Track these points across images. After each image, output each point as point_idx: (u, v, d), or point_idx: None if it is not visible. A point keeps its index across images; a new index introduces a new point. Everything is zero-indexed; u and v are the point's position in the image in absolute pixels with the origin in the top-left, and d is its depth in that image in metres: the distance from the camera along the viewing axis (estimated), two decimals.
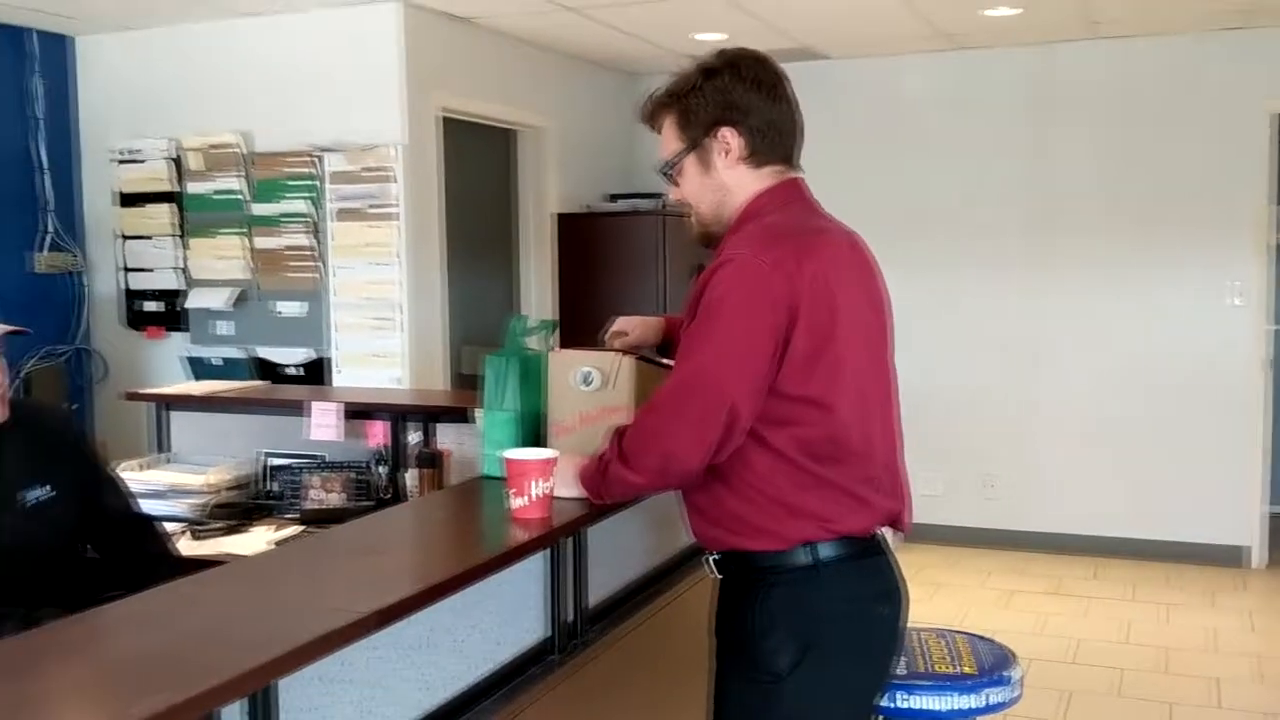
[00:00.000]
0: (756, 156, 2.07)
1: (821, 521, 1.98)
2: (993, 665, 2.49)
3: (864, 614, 2.03)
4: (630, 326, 2.50)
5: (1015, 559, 6.37)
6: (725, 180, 2.09)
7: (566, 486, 2.20)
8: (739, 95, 2.05)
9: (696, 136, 2.08)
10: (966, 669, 2.46)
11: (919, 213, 6.63)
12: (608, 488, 2.10)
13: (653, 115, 2.15)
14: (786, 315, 1.90)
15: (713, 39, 5.95)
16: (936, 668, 2.46)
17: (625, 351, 2.39)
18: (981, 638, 2.68)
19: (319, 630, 1.57)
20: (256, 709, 1.59)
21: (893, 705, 2.40)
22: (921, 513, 6.66)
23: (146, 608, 1.79)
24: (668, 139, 2.13)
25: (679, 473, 1.99)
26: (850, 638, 2.01)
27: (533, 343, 2.60)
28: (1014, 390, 6.55)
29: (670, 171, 2.15)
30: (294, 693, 1.69)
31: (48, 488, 2.45)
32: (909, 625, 2.22)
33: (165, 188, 5.59)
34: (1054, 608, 5.59)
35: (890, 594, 2.08)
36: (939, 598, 5.74)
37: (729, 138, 2.06)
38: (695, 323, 1.96)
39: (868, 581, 2.04)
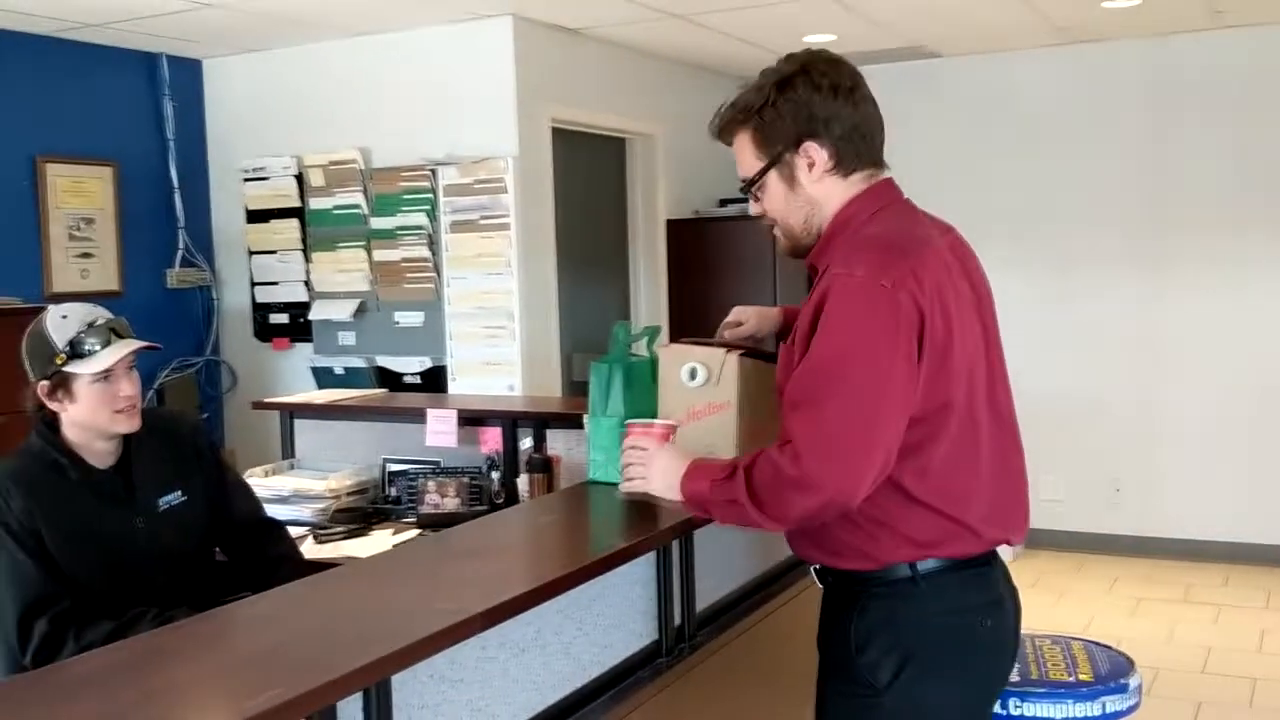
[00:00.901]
0: (843, 166, 1.96)
1: (922, 547, 1.91)
2: (1110, 672, 2.43)
3: (965, 626, 1.94)
4: (745, 316, 2.39)
5: (1142, 565, 6.17)
6: (813, 194, 1.97)
7: (667, 489, 2.01)
8: (818, 105, 1.92)
9: (778, 153, 1.96)
10: (1083, 676, 2.40)
11: (1037, 211, 6.49)
12: (728, 517, 1.95)
13: (724, 131, 2.03)
14: (916, 336, 1.80)
15: (823, 40, 5.92)
16: (1051, 675, 2.41)
17: (733, 346, 2.31)
18: (1099, 644, 2.62)
19: (428, 629, 1.62)
20: (372, 705, 1.65)
21: (1006, 713, 2.36)
22: (1044, 518, 6.51)
23: (267, 607, 1.87)
24: (745, 156, 2.02)
25: (831, 516, 1.87)
26: (951, 651, 1.93)
27: (638, 349, 2.63)
28: (1139, 391, 6.36)
29: (752, 190, 2.03)
30: (408, 690, 1.74)
31: (179, 493, 2.57)
32: (1024, 632, 2.17)
33: (290, 204, 5.79)
34: (1183, 615, 5.41)
35: (995, 605, 1.98)
36: (1062, 605, 5.60)
37: (813, 152, 1.95)
38: (820, 357, 1.82)
39: (970, 593, 1.95)
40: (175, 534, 2.54)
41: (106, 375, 2.39)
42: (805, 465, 1.78)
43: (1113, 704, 2.35)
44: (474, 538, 2.34)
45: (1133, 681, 2.42)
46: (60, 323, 2.39)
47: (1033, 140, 6.49)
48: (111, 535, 2.43)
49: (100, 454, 2.47)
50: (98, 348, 2.38)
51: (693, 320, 6.04)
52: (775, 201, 2.01)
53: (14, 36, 5.13)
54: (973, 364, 1.92)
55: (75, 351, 2.37)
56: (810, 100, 1.92)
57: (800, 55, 1.98)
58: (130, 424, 2.45)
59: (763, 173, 1.99)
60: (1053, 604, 5.60)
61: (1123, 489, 6.43)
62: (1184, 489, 6.28)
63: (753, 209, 2.09)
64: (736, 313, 2.41)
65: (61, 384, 2.38)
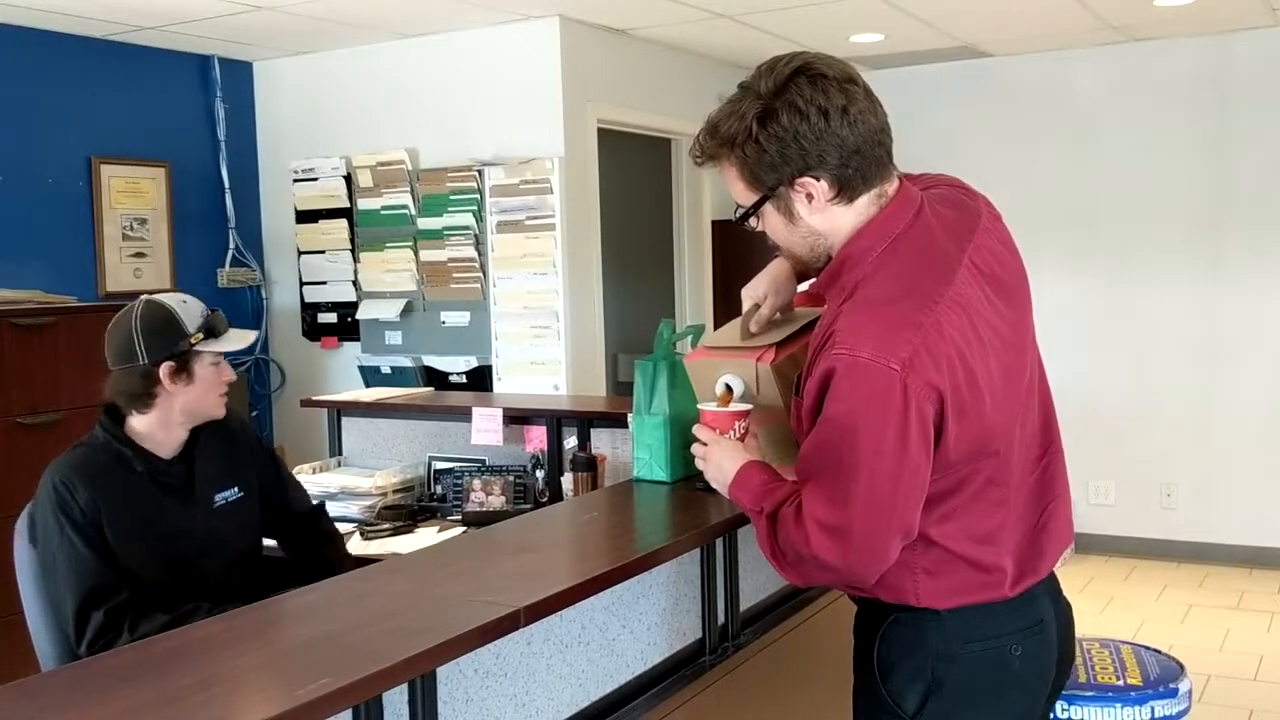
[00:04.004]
0: (847, 192, 1.77)
1: (945, 595, 1.81)
2: (1160, 677, 2.40)
3: (994, 654, 1.82)
4: (759, 295, 2.12)
5: (1194, 572, 6.08)
6: (815, 226, 1.81)
7: (721, 488, 1.99)
8: (807, 137, 1.71)
9: (770, 188, 1.79)
10: (1132, 680, 2.37)
11: (1091, 211, 6.41)
12: (755, 527, 1.90)
13: (706, 160, 1.84)
14: (933, 413, 1.68)
15: (870, 40, 5.89)
16: (1100, 678, 2.38)
17: (763, 349, 2.09)
18: (1149, 648, 2.58)
19: (473, 622, 1.63)
20: (417, 697, 1.66)
21: (1054, 716, 2.34)
22: (1093, 523, 6.41)
23: (316, 599, 1.89)
24: (735, 186, 1.84)
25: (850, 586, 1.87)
26: (979, 680, 1.82)
27: (682, 348, 2.63)
28: (1192, 393, 6.26)
29: (747, 221, 1.87)
30: (453, 684, 1.76)
31: (235, 489, 2.63)
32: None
33: (339, 204, 5.85)
34: (1235, 623, 5.32)
35: (1032, 629, 1.85)
36: (1111, 611, 5.53)
37: (810, 186, 1.76)
38: (830, 442, 1.70)
39: (1001, 619, 1.82)
40: (231, 530, 2.60)
41: (216, 360, 2.51)
42: (819, 550, 1.72)
43: (1162, 709, 2.32)
44: (518, 534, 2.35)
45: (1183, 686, 2.39)
46: (184, 307, 2.50)
47: (1086, 139, 6.41)
48: (171, 528, 2.48)
49: (170, 447, 2.52)
50: (225, 331, 2.52)
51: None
52: (776, 232, 1.86)
53: (71, 40, 5.22)
54: (1007, 404, 1.79)
55: (209, 333, 2.48)
56: (798, 132, 1.71)
57: (780, 69, 1.75)
58: (223, 409, 2.56)
59: (756, 206, 1.82)
60: (1101, 609, 5.53)
61: (1175, 494, 6.33)
62: (1238, 494, 6.18)
63: (755, 224, 1.91)
64: (749, 295, 2.15)
65: (185, 365, 2.46)
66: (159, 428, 2.49)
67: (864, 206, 1.79)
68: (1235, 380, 6.17)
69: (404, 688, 1.64)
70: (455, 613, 1.72)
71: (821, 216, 1.79)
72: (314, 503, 2.97)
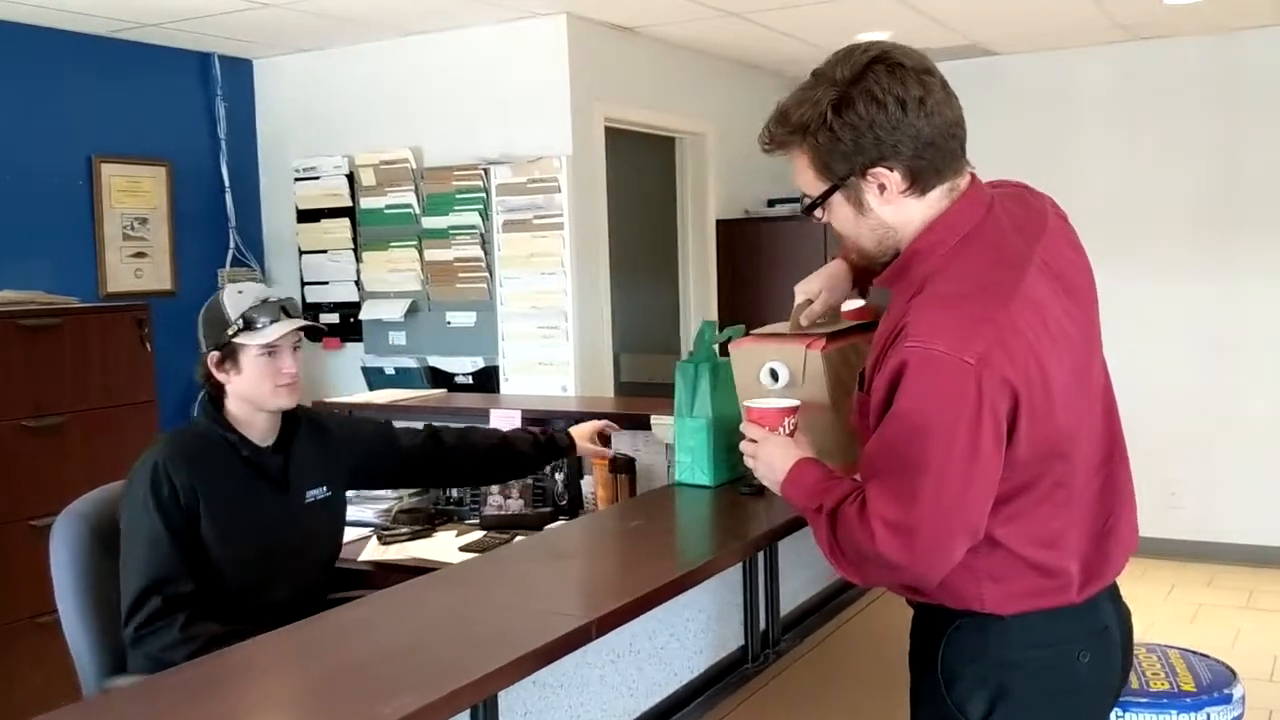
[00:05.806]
0: (920, 185, 1.73)
1: (1009, 599, 1.77)
2: (1212, 683, 2.37)
3: (1060, 661, 1.79)
4: (813, 291, 2.10)
5: (1201, 571, 6.07)
6: (885, 218, 1.76)
7: (773, 485, 1.93)
8: (883, 126, 1.68)
9: (841, 177, 1.74)
10: (1185, 686, 2.34)
11: (1097, 209, 6.36)
12: (817, 540, 1.85)
13: (775, 148, 1.80)
14: (1007, 411, 1.64)
15: (878, 38, 5.85)
16: (1153, 685, 2.35)
17: (814, 337, 2.07)
18: (1195, 653, 2.56)
19: (548, 635, 1.59)
20: (479, 710, 1.61)
21: None
22: None
23: (372, 612, 1.84)
24: (803, 176, 1.79)
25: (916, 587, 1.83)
26: (1046, 688, 1.79)
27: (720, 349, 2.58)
28: (1198, 392, 6.25)
29: (814, 211, 1.82)
30: (512, 695, 1.71)
31: (324, 488, 2.64)
32: None
33: (341, 203, 5.77)
34: (1246, 622, 5.31)
35: (1098, 635, 1.82)
36: None
37: (883, 177, 1.72)
38: (900, 437, 1.66)
39: (1066, 625, 1.79)
40: (319, 528, 2.65)
41: (271, 350, 2.48)
42: (885, 548, 1.66)
43: (1218, 715, 2.30)
44: (569, 541, 2.31)
45: (1236, 692, 2.36)
46: (236, 298, 2.50)
47: (1092, 139, 6.40)
48: (266, 517, 2.50)
49: (262, 432, 2.54)
50: (267, 323, 2.48)
51: (744, 322, 5.98)
52: (844, 224, 1.82)
53: (72, 37, 5.13)
54: (1075, 406, 1.76)
55: (247, 325, 2.47)
56: (874, 121, 1.68)
57: (857, 57, 1.71)
58: (290, 399, 2.53)
59: (825, 196, 1.78)
60: None
61: (1180, 492, 6.32)
62: (1245, 492, 6.17)
63: (821, 215, 1.86)
64: (802, 290, 2.13)
65: (230, 355, 2.47)
66: (243, 414, 2.51)
67: (936, 200, 1.76)
68: (1241, 378, 6.16)
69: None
70: (522, 625, 1.68)
71: (893, 208, 1.76)
72: (430, 428, 3.01)
